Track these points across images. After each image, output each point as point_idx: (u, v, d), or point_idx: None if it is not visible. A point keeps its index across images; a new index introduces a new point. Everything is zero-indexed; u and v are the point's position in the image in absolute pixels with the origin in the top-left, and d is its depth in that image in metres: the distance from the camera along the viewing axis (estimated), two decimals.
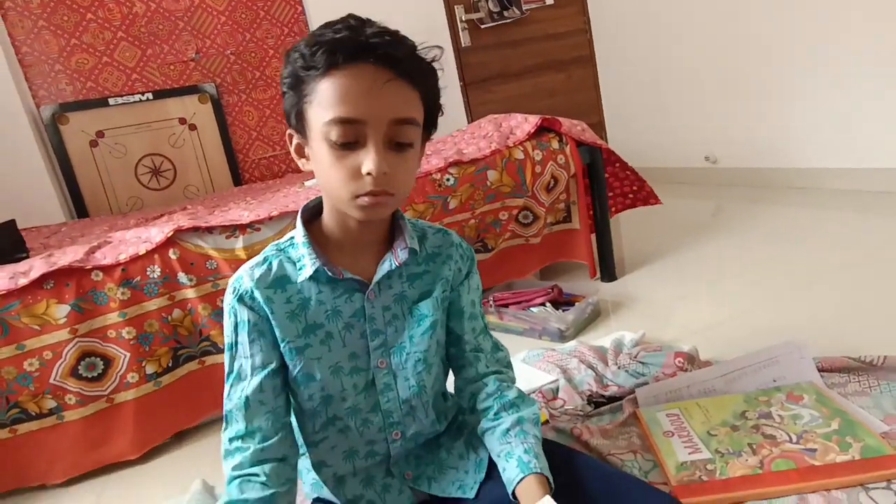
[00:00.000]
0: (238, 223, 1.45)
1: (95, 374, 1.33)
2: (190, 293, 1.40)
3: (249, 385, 0.69)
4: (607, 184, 2.02)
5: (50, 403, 1.30)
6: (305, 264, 0.70)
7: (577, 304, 1.68)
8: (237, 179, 2.99)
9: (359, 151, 0.63)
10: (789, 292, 1.63)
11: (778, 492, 0.89)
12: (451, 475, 0.80)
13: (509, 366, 0.87)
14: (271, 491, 0.66)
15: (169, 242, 1.39)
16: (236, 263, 1.42)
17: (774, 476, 0.91)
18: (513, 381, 0.84)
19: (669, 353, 1.30)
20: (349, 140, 0.63)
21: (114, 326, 1.34)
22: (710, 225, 2.42)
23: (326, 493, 0.79)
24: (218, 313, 1.42)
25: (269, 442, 0.68)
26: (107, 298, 1.33)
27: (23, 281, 1.28)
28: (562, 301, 1.73)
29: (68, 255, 1.36)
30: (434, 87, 0.69)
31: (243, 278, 0.70)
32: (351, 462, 0.77)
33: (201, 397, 1.44)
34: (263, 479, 0.66)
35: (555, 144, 1.86)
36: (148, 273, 1.37)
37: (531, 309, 1.70)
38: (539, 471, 0.70)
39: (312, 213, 0.75)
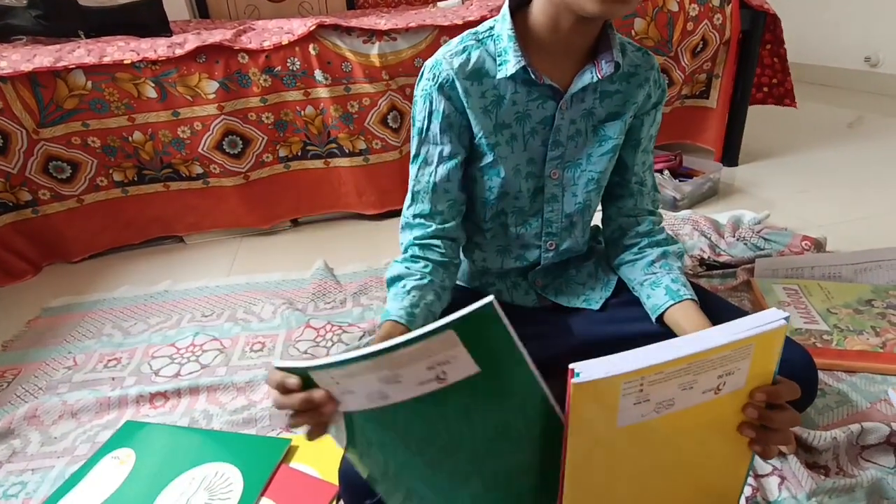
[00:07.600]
0: (376, 29, 1.43)
1: (236, 152, 1.44)
2: (323, 92, 1.43)
3: (437, 172, 0.72)
4: None
5: (197, 169, 1.44)
6: (508, 60, 0.65)
7: (695, 177, 1.61)
8: (351, 2, 2.91)
9: None
10: None
11: None
12: (578, 290, 0.84)
13: (659, 208, 0.86)
14: (447, 259, 0.74)
15: (310, 37, 1.40)
16: (370, 69, 1.43)
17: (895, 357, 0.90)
18: (661, 223, 0.83)
19: (797, 235, 1.26)
20: None
21: (255, 110, 1.41)
22: (844, 134, 2.19)
23: (463, 277, 0.86)
24: (346, 117, 1.46)
25: (448, 224, 0.74)
26: (250, 82, 1.39)
27: (179, 51, 1.34)
28: (679, 171, 1.66)
29: (217, 35, 1.41)
30: None
31: (442, 64, 0.67)
32: (501, 258, 0.82)
33: (322, 193, 1.56)
34: (441, 249, 0.73)
35: (715, 1, 1.66)
36: (288, 64, 1.40)
37: None
38: (692, 297, 0.70)
39: (518, 6, 0.67)
